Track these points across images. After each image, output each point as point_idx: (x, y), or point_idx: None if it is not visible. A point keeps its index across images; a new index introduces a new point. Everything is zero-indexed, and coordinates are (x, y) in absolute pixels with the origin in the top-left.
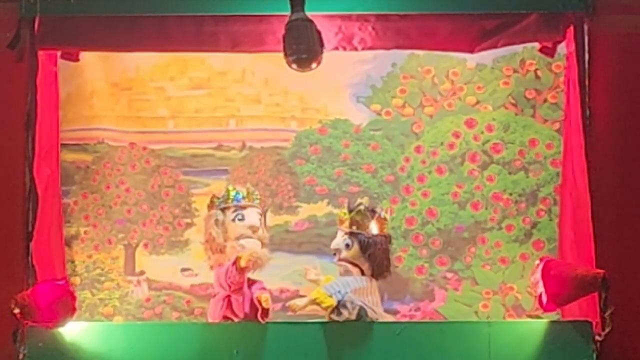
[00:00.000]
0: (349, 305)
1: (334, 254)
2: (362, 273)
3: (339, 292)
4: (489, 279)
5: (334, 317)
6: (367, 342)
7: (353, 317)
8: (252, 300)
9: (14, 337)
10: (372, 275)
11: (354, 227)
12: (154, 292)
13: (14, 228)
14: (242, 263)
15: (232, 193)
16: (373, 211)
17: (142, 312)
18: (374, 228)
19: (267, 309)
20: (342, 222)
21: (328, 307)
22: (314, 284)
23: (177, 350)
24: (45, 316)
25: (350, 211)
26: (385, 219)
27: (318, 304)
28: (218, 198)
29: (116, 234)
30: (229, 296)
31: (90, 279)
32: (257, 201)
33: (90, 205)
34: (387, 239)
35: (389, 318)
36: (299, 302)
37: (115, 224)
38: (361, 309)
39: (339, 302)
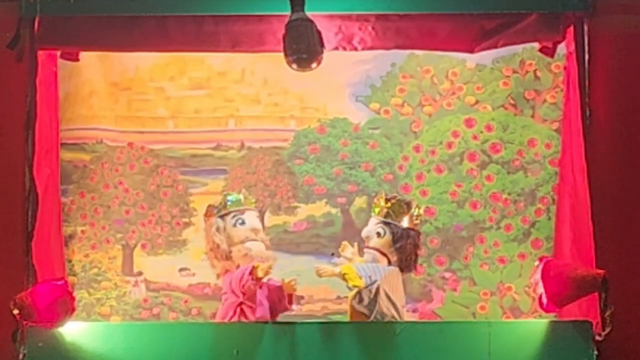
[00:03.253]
0: (372, 291)
1: (364, 242)
2: (389, 263)
3: (370, 277)
4: (487, 278)
5: (354, 302)
6: (367, 342)
7: (367, 304)
8: (273, 293)
9: (13, 337)
10: (400, 268)
11: (389, 217)
12: (151, 293)
13: (14, 228)
14: (260, 274)
15: (229, 198)
16: (409, 205)
17: (140, 313)
18: (407, 221)
19: (292, 295)
20: (377, 210)
21: (354, 286)
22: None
23: (177, 350)
24: (44, 316)
25: (387, 200)
26: (420, 214)
27: (345, 279)
28: (215, 207)
29: (114, 234)
30: (241, 303)
31: (87, 279)
32: (254, 204)
33: (87, 205)
34: (418, 234)
35: (408, 314)
36: (328, 268)
37: (113, 224)
38: (374, 298)
39: (365, 285)
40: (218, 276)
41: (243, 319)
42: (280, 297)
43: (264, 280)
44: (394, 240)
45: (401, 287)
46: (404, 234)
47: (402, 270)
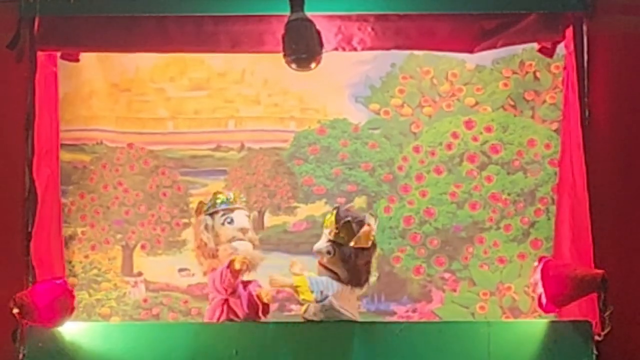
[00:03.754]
0: (324, 307)
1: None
2: (339, 280)
3: (321, 292)
4: (486, 279)
5: (307, 316)
6: (367, 342)
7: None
8: (250, 300)
9: (13, 337)
10: (349, 284)
11: (339, 238)
12: (151, 294)
13: (13, 228)
14: (237, 265)
15: (220, 197)
16: (361, 222)
17: (140, 313)
18: (359, 241)
19: (268, 305)
20: (328, 227)
21: (304, 300)
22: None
23: (177, 350)
24: (44, 316)
25: (337, 221)
26: (372, 228)
27: (297, 292)
28: (205, 204)
29: (114, 235)
30: (226, 300)
31: (87, 280)
32: (244, 203)
33: (87, 206)
34: (372, 249)
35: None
36: (281, 280)
37: (113, 225)
38: (333, 315)
39: (316, 299)
40: (204, 274)
41: (231, 316)
42: (255, 306)
43: (244, 277)
44: (343, 260)
45: (355, 302)
46: (354, 255)
47: (353, 285)
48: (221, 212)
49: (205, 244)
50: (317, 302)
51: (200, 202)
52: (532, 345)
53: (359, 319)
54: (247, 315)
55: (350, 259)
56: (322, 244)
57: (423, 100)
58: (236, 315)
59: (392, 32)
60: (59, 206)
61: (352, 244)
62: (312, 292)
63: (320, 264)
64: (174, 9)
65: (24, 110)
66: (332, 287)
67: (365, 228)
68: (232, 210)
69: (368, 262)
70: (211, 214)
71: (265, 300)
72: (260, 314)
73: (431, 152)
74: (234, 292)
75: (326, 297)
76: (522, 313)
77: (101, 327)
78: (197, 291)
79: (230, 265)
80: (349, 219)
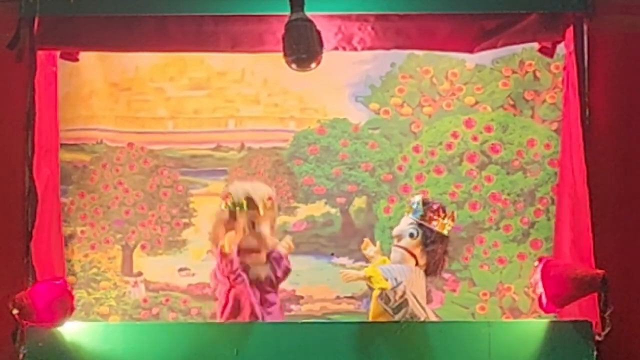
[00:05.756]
0: (398, 292)
1: (394, 238)
2: (417, 265)
3: (395, 278)
4: (486, 279)
5: (380, 301)
6: (367, 342)
7: (394, 304)
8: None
9: (13, 337)
10: (426, 271)
11: (426, 221)
12: (151, 293)
13: (13, 228)
14: (227, 249)
15: (243, 202)
16: (444, 210)
17: (139, 313)
18: (443, 226)
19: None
20: (409, 212)
21: (381, 288)
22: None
23: (177, 350)
24: (43, 316)
25: (425, 204)
26: (454, 219)
27: (370, 282)
28: (234, 203)
29: (114, 234)
30: (231, 288)
31: (86, 279)
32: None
33: (87, 205)
34: (448, 241)
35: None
36: (353, 273)
37: (113, 224)
38: (404, 301)
39: (392, 287)
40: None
41: (236, 304)
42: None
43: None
44: (425, 243)
45: (424, 289)
46: (437, 239)
47: (427, 273)
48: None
49: (217, 235)
50: (392, 289)
51: (229, 194)
52: (532, 345)
53: (427, 309)
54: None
55: (432, 243)
56: (404, 225)
57: (423, 99)
58: (239, 305)
59: (392, 32)
60: (59, 206)
61: (437, 228)
62: (386, 279)
63: (400, 246)
64: (174, 9)
65: (24, 110)
66: (404, 273)
67: (447, 215)
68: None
69: (446, 252)
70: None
71: (289, 251)
72: (287, 265)
73: (431, 151)
74: (236, 279)
75: (400, 283)
76: (522, 313)
77: (101, 327)
78: (197, 291)
79: (221, 250)
80: (436, 203)
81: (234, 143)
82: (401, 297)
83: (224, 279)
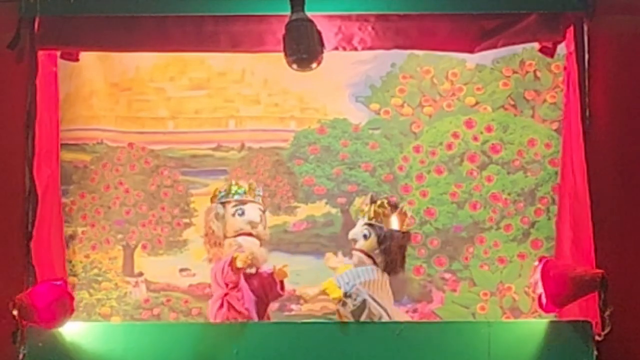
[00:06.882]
0: (353, 296)
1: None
2: (375, 264)
3: (348, 283)
4: (486, 279)
5: (339, 307)
6: (367, 342)
7: (353, 308)
8: (260, 284)
9: (13, 338)
10: (385, 270)
11: (374, 220)
12: (152, 294)
13: (13, 228)
14: (239, 264)
15: (234, 188)
16: (395, 206)
17: (140, 313)
18: (394, 223)
19: (283, 281)
20: (363, 212)
21: (335, 298)
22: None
23: (177, 350)
24: (43, 317)
25: (372, 202)
26: (406, 214)
27: (328, 295)
28: (220, 192)
29: (115, 235)
30: (226, 294)
31: (88, 279)
32: (259, 197)
33: (88, 205)
34: (406, 235)
35: (400, 314)
36: (310, 291)
37: (113, 225)
38: (364, 301)
39: (345, 293)
40: (210, 260)
41: (231, 310)
42: (272, 284)
43: (248, 270)
44: (378, 242)
45: (388, 288)
46: (388, 236)
47: (387, 272)
48: (233, 203)
49: (213, 232)
50: (345, 294)
51: (216, 189)
52: (532, 345)
53: (391, 310)
54: (263, 296)
55: (384, 241)
56: (358, 228)
57: (423, 99)
58: (235, 309)
59: (392, 32)
60: (60, 206)
61: (386, 225)
62: (338, 287)
63: (357, 249)
64: (174, 9)
65: (24, 110)
66: (358, 276)
67: (399, 210)
68: (244, 202)
69: (402, 247)
70: (223, 203)
71: (282, 277)
72: (278, 291)
73: (431, 152)
74: (234, 287)
75: (354, 285)
76: (522, 313)
77: (102, 327)
78: (198, 291)
79: (232, 262)
80: (383, 200)
81: (234, 143)
82: (355, 299)
83: (223, 285)
